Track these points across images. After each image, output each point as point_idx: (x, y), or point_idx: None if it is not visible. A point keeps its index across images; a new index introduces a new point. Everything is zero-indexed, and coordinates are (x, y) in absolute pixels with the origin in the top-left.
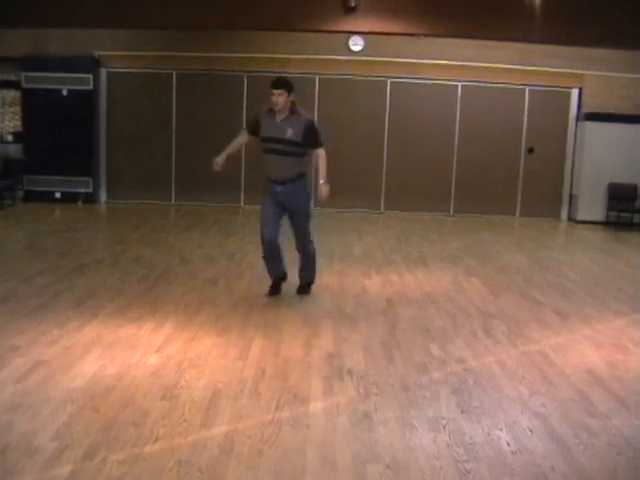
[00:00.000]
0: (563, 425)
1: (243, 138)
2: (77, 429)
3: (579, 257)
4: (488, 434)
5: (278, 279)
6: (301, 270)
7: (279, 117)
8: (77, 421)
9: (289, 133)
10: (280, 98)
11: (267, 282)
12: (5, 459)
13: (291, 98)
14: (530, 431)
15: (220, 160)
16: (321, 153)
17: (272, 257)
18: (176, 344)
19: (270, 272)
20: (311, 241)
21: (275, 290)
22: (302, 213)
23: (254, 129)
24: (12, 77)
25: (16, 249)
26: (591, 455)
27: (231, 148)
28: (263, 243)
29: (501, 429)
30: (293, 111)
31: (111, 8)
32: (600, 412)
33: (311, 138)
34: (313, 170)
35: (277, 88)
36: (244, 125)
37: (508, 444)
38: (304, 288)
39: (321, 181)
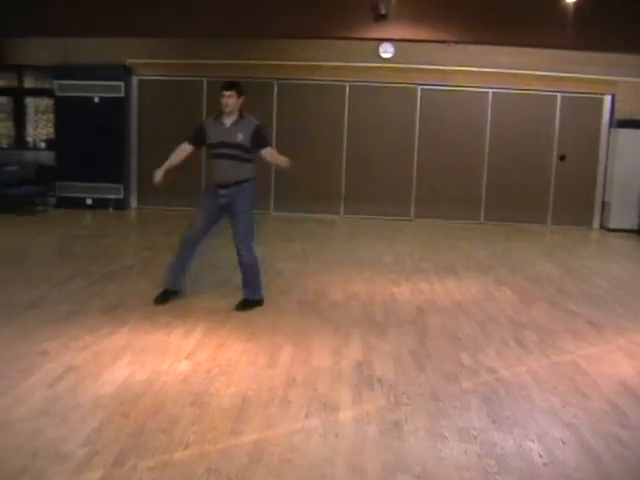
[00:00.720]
0: (595, 437)
1: (185, 149)
2: (107, 435)
3: (612, 266)
4: (520, 445)
5: (170, 290)
6: (244, 285)
7: (228, 121)
8: (107, 427)
9: (239, 138)
10: (230, 100)
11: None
12: (35, 465)
13: (241, 101)
14: (562, 442)
15: (160, 173)
16: (270, 151)
17: (180, 263)
18: (206, 350)
19: (168, 277)
20: (250, 249)
21: (162, 299)
22: (245, 216)
23: (200, 138)
24: (45, 85)
25: (47, 255)
26: (624, 468)
27: (172, 161)
28: (186, 243)
29: (533, 440)
30: (242, 115)
31: (142, 17)
32: (633, 424)
33: (259, 140)
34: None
35: (227, 90)
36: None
37: (540, 455)
38: (242, 304)
39: (280, 162)
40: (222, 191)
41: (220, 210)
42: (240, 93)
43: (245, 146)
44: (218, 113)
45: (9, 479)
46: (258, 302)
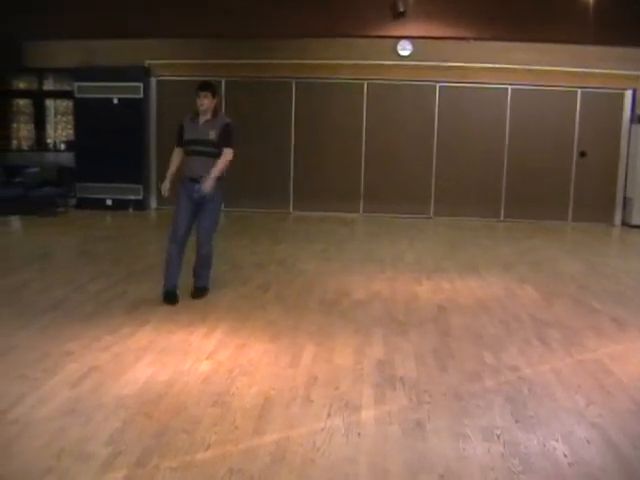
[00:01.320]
0: (621, 436)
1: (179, 153)
2: (130, 435)
3: (634, 263)
4: (544, 445)
5: (173, 290)
6: (195, 272)
7: (202, 120)
8: (130, 427)
9: (211, 135)
10: (205, 100)
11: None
12: (60, 464)
13: (215, 101)
14: (587, 442)
15: (167, 185)
16: (227, 152)
17: (175, 260)
18: (227, 350)
19: (168, 278)
20: (210, 242)
21: (173, 299)
22: (210, 212)
23: (181, 137)
24: (65, 87)
25: (69, 256)
26: None
27: (172, 169)
28: (173, 242)
29: (557, 440)
30: (215, 114)
31: (160, 18)
32: None
33: (224, 137)
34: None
35: (203, 90)
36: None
37: (565, 455)
38: (198, 292)
39: (211, 175)
40: (197, 186)
41: (195, 205)
42: (215, 93)
43: (215, 142)
44: (195, 112)
45: (35, 478)
46: (207, 288)
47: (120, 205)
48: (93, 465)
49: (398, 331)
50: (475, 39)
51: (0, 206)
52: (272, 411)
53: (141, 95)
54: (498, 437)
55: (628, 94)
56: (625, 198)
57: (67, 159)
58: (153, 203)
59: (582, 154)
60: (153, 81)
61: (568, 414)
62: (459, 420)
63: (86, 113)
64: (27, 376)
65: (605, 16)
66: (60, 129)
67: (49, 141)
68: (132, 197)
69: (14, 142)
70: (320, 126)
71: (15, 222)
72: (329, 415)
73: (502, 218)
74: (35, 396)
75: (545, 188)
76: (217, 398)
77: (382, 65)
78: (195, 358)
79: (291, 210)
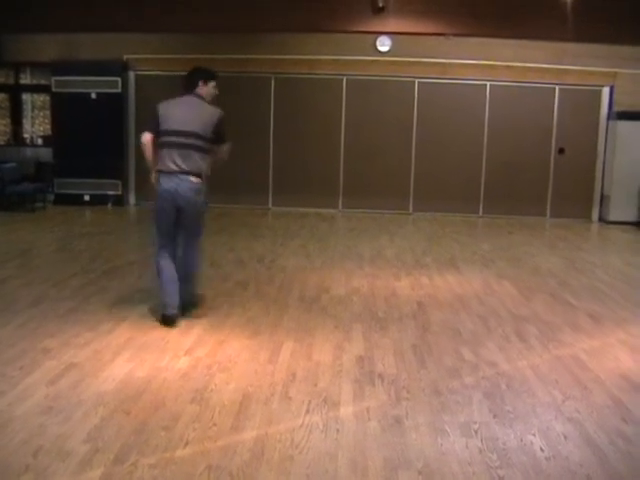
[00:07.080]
0: (598, 431)
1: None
2: (108, 432)
3: (612, 259)
4: (521, 439)
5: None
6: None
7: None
8: (108, 424)
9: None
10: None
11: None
12: (37, 462)
13: None
14: (564, 437)
15: None
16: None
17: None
18: (206, 347)
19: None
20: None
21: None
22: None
23: None
24: (42, 81)
25: (48, 252)
26: (629, 463)
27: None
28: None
29: (534, 434)
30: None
31: (139, 12)
32: (636, 418)
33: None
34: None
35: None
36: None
37: (542, 450)
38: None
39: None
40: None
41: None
42: None
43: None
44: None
45: (13, 477)
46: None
47: (99, 201)
48: (71, 463)
49: (377, 327)
50: (454, 35)
51: None
52: (251, 407)
53: (119, 90)
54: (476, 432)
55: (605, 91)
56: (602, 195)
57: (45, 154)
58: (132, 199)
59: (560, 151)
60: (131, 75)
61: (545, 409)
62: (438, 416)
63: (64, 108)
64: (5, 374)
65: (583, 13)
66: (37, 124)
67: (26, 136)
68: (111, 193)
69: None
70: (299, 122)
71: None
72: (308, 411)
73: (481, 214)
74: (13, 394)
75: (524, 184)
76: (196, 395)
77: (361, 61)
78: (174, 354)
79: (270, 206)
